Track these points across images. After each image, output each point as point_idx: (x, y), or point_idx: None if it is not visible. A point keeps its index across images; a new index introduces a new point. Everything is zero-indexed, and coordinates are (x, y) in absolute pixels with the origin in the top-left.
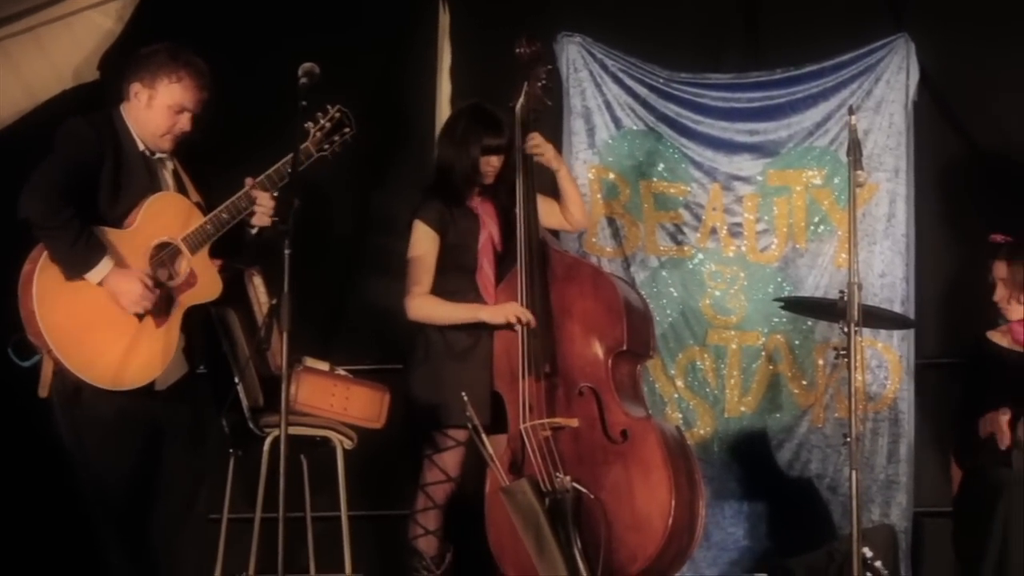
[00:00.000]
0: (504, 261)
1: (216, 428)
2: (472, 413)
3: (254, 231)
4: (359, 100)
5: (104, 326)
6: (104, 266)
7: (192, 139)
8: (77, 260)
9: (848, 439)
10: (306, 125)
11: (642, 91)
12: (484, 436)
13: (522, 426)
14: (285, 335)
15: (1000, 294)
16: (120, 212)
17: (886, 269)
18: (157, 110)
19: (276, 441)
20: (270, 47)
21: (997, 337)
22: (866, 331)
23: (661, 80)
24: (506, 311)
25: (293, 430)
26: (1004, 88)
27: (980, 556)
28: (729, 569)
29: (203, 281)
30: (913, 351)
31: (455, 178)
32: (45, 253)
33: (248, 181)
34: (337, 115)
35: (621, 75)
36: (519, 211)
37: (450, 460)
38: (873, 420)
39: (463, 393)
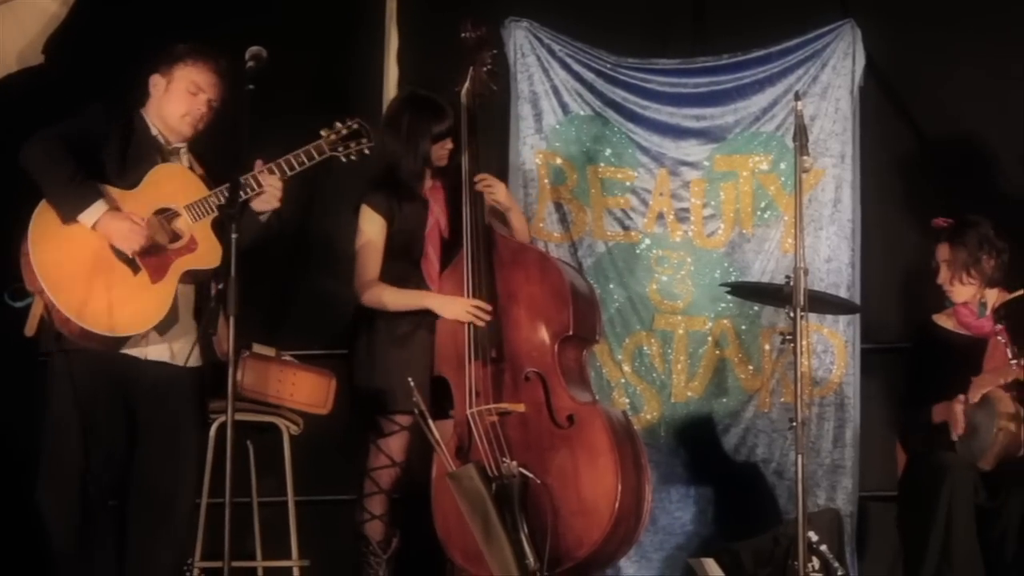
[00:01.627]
0: (451, 248)
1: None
2: (418, 398)
3: (262, 217)
4: (305, 84)
5: (97, 272)
6: (98, 207)
7: (209, 133)
8: (72, 199)
9: (794, 424)
10: (321, 131)
11: (589, 76)
12: (430, 421)
13: (469, 411)
14: (231, 320)
15: (943, 276)
16: (126, 185)
17: (832, 254)
18: (174, 93)
19: (222, 427)
20: (217, 30)
21: (942, 320)
22: (812, 316)
23: (608, 65)
24: (456, 308)
25: (239, 416)
26: (949, 73)
27: (924, 540)
28: (675, 553)
29: (203, 248)
30: (859, 336)
31: (405, 173)
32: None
33: (258, 163)
34: (355, 126)
35: (568, 60)
36: (464, 196)
37: (395, 445)
38: (819, 405)
39: (409, 378)
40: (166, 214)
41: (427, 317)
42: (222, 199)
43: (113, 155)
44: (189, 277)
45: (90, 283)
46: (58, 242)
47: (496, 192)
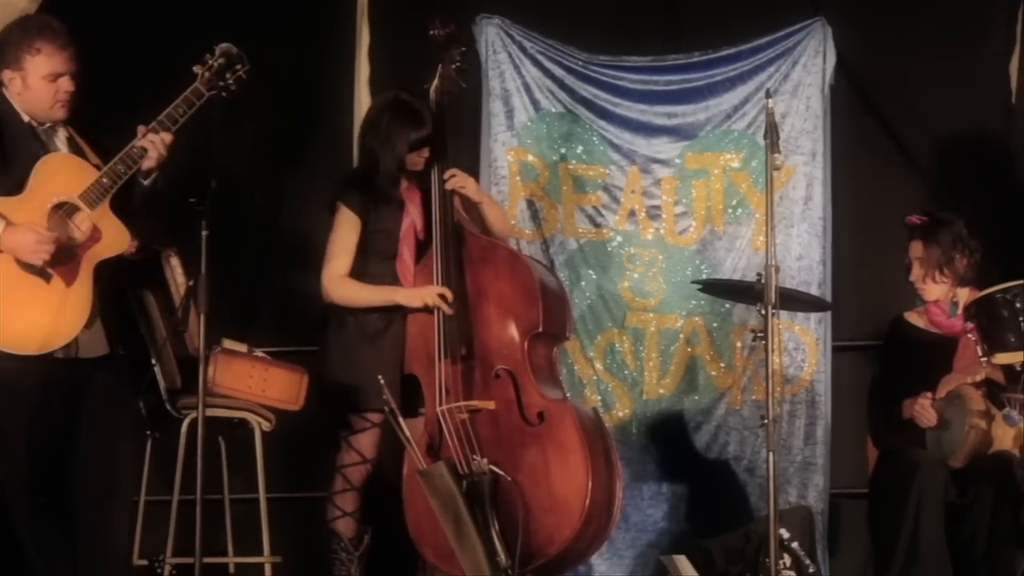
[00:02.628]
0: (426, 249)
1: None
2: (389, 396)
3: (147, 181)
4: (276, 81)
5: (11, 292)
6: None
7: (81, 104)
8: None
9: (765, 421)
10: (194, 69)
11: (560, 73)
12: (401, 419)
13: (439, 409)
14: (203, 316)
15: (916, 274)
16: (12, 183)
17: (803, 252)
18: (34, 87)
19: (194, 423)
20: (187, 27)
21: (913, 318)
22: (783, 313)
23: (579, 62)
24: (423, 294)
25: (211, 412)
26: (918, 71)
27: (894, 536)
28: (647, 550)
29: (108, 234)
30: (830, 333)
31: (381, 176)
32: None
33: (141, 129)
34: (223, 57)
35: (540, 57)
36: (433, 192)
37: (366, 442)
38: (790, 402)
39: (379, 376)
40: (63, 208)
41: (398, 314)
42: (117, 175)
43: None
44: (103, 268)
45: (8, 305)
46: None
47: (467, 187)
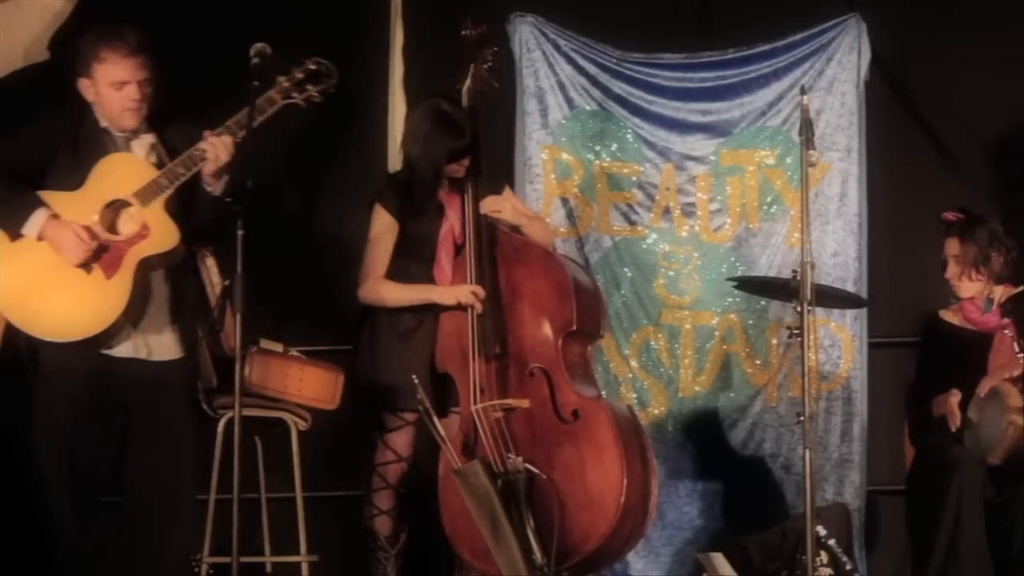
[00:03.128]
0: (462, 253)
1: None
2: (423, 396)
3: (214, 191)
4: None
5: (50, 281)
6: (38, 217)
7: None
8: (12, 215)
9: (801, 418)
10: (277, 77)
11: (594, 71)
12: (435, 418)
13: (473, 408)
14: (239, 316)
15: (952, 271)
16: (77, 182)
17: (839, 248)
18: (103, 95)
19: (230, 423)
20: (221, 27)
21: (948, 316)
22: (819, 310)
23: (613, 60)
24: (456, 292)
25: (247, 411)
26: (954, 67)
27: (933, 534)
28: (684, 548)
29: (157, 232)
30: (866, 330)
31: (418, 182)
32: None
33: (206, 134)
34: (312, 67)
35: (573, 55)
36: (465, 191)
37: (401, 440)
38: (826, 399)
39: (413, 376)
40: (115, 205)
41: (431, 313)
42: (175, 175)
43: (67, 155)
44: (149, 264)
45: (45, 294)
46: (9, 257)
47: (502, 212)
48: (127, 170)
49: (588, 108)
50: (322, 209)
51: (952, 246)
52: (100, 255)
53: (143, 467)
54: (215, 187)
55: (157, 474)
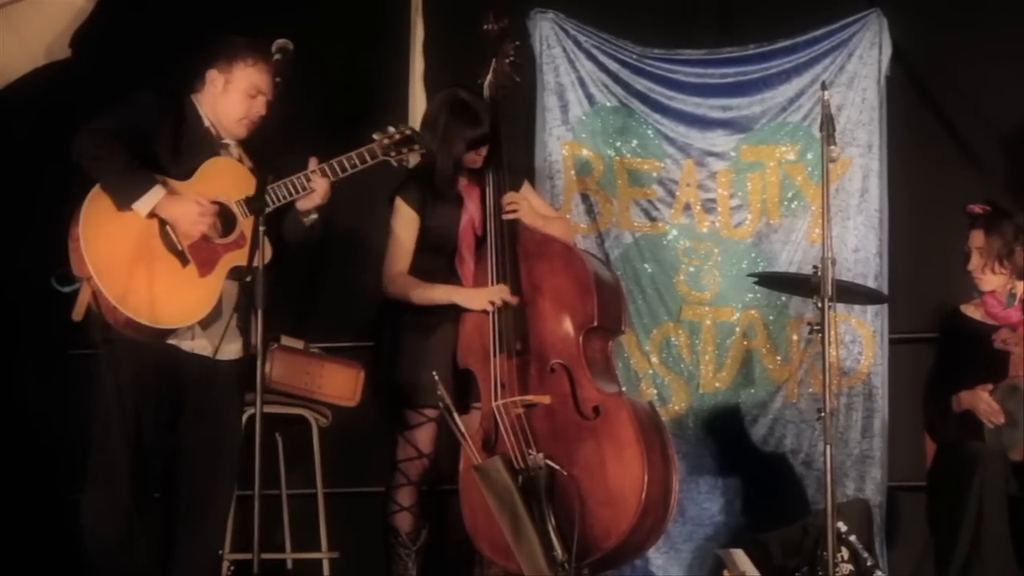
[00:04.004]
0: (484, 245)
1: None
2: (443, 392)
3: (308, 218)
4: (331, 76)
5: (146, 262)
6: (155, 193)
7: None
8: (128, 185)
9: (822, 414)
10: (374, 135)
11: (615, 67)
12: (456, 415)
13: (494, 404)
14: (260, 313)
15: (975, 263)
16: (181, 174)
17: (859, 244)
18: (233, 95)
19: (251, 419)
20: (242, 23)
21: (970, 310)
22: (840, 306)
23: (634, 56)
24: (482, 297)
25: (268, 408)
26: (976, 62)
27: (955, 530)
28: (704, 544)
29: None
30: (887, 326)
31: (438, 173)
32: (97, 185)
33: (312, 161)
34: (408, 131)
35: (594, 51)
36: (487, 186)
37: (422, 437)
38: (847, 395)
39: (434, 373)
40: (220, 207)
41: (453, 310)
42: (276, 197)
43: (165, 145)
44: (235, 273)
45: (138, 272)
46: (109, 229)
47: (521, 213)
48: (232, 176)
49: (608, 104)
50: (342, 205)
51: (976, 238)
52: (198, 250)
53: (190, 461)
54: (309, 215)
55: (205, 471)
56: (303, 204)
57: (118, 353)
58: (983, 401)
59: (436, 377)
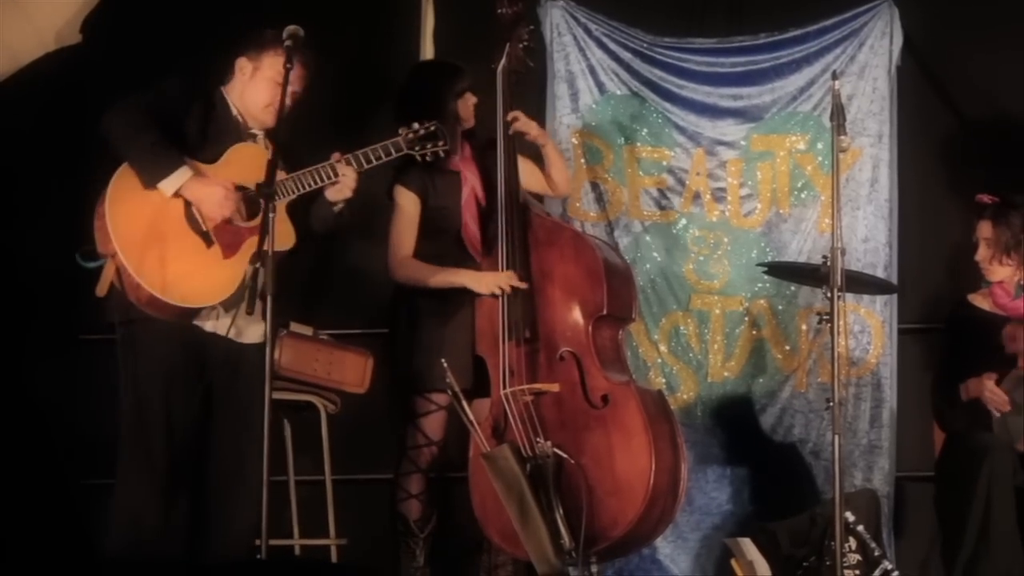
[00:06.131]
0: (488, 216)
1: None
2: (452, 379)
3: (336, 207)
4: (341, 62)
5: (171, 241)
6: (182, 173)
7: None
8: (155, 163)
9: (831, 404)
10: (400, 130)
11: (625, 55)
12: (464, 402)
13: (503, 392)
14: (269, 299)
15: (983, 254)
16: (207, 158)
17: (869, 234)
18: (260, 82)
19: None
20: (253, 10)
21: (978, 300)
22: (849, 296)
23: (644, 44)
24: (489, 281)
25: (277, 395)
26: (987, 52)
27: (962, 520)
28: (712, 533)
29: (278, 230)
30: (896, 316)
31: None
32: (124, 163)
33: (336, 154)
34: (432, 128)
35: (604, 39)
36: (500, 176)
37: (432, 424)
38: (856, 385)
39: (442, 359)
40: (244, 192)
41: (469, 295)
42: (303, 184)
43: (193, 130)
44: (259, 257)
45: (162, 251)
46: (135, 207)
47: (530, 130)
48: (260, 163)
49: (619, 93)
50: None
51: (984, 228)
52: (223, 232)
53: (223, 444)
54: (337, 203)
55: (236, 452)
56: (332, 195)
57: (142, 335)
58: (989, 389)
59: (445, 364)
